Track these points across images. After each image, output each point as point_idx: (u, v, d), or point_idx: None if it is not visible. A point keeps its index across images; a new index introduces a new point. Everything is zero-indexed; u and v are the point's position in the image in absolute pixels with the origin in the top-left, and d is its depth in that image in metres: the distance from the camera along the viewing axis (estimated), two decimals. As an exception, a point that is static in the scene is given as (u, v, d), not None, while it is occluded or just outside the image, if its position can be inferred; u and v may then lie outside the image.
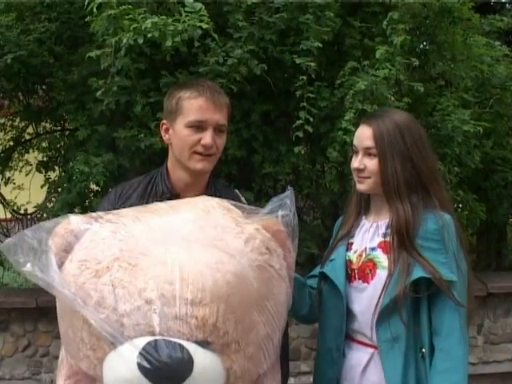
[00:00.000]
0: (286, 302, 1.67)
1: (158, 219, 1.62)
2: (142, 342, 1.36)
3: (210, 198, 1.77)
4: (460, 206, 4.42)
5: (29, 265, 1.49)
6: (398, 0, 3.61)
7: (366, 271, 2.01)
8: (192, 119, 1.98)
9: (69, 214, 1.65)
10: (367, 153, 2.00)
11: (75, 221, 1.61)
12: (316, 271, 2.21)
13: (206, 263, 1.45)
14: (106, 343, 1.41)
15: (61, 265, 1.52)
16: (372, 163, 1.99)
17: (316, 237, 4.10)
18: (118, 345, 1.39)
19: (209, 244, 1.51)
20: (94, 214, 1.67)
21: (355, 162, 2.04)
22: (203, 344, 1.40)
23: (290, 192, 1.75)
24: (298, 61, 3.41)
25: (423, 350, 1.93)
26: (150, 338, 1.36)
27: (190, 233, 1.54)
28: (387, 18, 3.50)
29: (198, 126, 1.98)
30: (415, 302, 1.92)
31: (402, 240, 1.94)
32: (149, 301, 1.39)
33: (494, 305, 4.76)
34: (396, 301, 1.88)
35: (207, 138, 1.97)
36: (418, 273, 1.88)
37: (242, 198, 1.98)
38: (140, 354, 1.35)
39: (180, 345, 1.36)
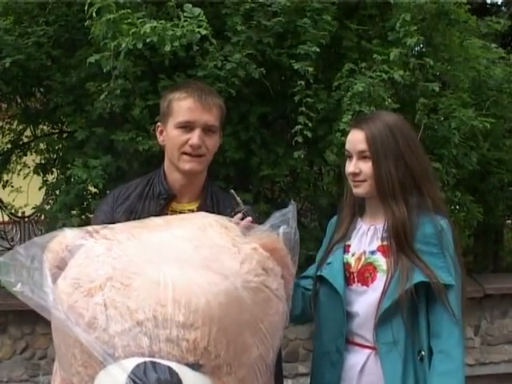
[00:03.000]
0: (282, 322, 1.65)
1: (153, 237, 1.60)
2: (132, 364, 1.35)
3: (207, 214, 1.74)
4: (457, 207, 4.44)
5: (19, 285, 1.48)
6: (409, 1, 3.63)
7: (365, 274, 2.01)
8: (180, 120, 1.99)
9: (64, 228, 1.63)
10: (361, 156, 2.00)
11: (70, 235, 1.59)
12: (309, 272, 2.21)
13: (199, 285, 1.43)
14: (97, 362, 1.40)
15: (54, 281, 1.51)
16: (367, 166, 1.99)
17: (314, 238, 4.11)
18: (107, 365, 1.38)
19: (203, 265, 1.49)
20: (89, 228, 1.64)
21: (350, 167, 2.03)
22: (194, 366, 1.39)
23: (292, 207, 1.73)
24: (295, 66, 3.42)
25: (422, 352, 1.93)
26: (140, 360, 1.35)
27: (185, 252, 1.52)
28: (400, 20, 3.51)
29: (187, 127, 1.99)
30: (413, 304, 1.93)
31: (400, 243, 1.94)
32: (140, 322, 1.37)
33: (491, 306, 4.78)
34: (397, 304, 1.89)
35: (194, 138, 1.98)
36: (418, 277, 1.89)
37: (238, 198, 1.98)
38: (129, 376, 1.34)
39: (169, 368, 1.35)
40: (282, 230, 1.69)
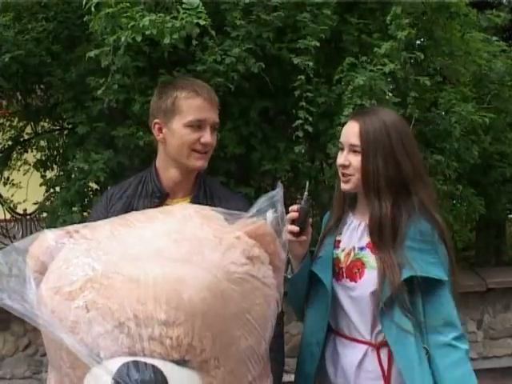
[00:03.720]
0: (272, 309, 1.63)
1: (132, 233, 1.58)
2: (116, 365, 1.35)
3: (188, 205, 1.73)
4: (459, 201, 4.43)
5: None
6: None
7: (353, 270, 2.02)
8: (192, 119, 2.01)
9: (45, 230, 1.62)
10: (352, 149, 2.01)
11: (50, 237, 1.58)
12: None
13: (180, 280, 1.41)
14: (84, 363, 1.40)
15: (37, 286, 1.50)
16: (356, 160, 1.99)
17: (316, 234, 4.10)
18: (93, 366, 1.38)
19: (184, 259, 1.48)
20: (70, 228, 1.63)
21: (340, 158, 2.05)
22: (180, 362, 1.38)
23: (279, 189, 1.71)
24: (295, 60, 3.41)
25: (424, 345, 1.94)
26: (124, 360, 1.35)
27: (164, 248, 1.50)
28: (391, 12, 3.50)
29: (198, 125, 2.00)
30: (411, 300, 1.93)
31: (379, 239, 1.96)
32: (122, 322, 1.36)
33: (494, 300, 4.79)
34: (391, 302, 1.90)
35: (207, 136, 2.02)
36: (406, 273, 1.90)
37: (306, 190, 1.97)
38: (113, 378, 1.33)
39: (153, 366, 1.34)
40: (269, 214, 1.66)
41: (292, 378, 2.20)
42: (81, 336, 1.39)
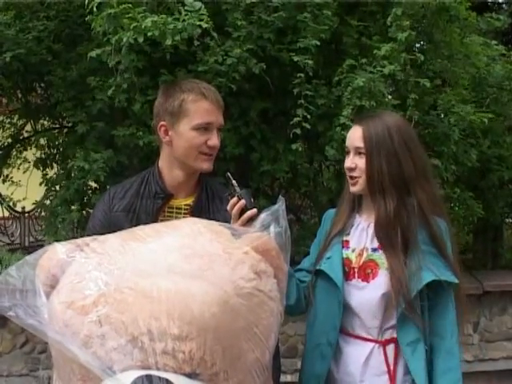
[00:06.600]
0: (276, 321, 1.65)
1: (143, 248, 1.59)
2: (129, 377, 1.36)
3: (197, 220, 1.73)
4: (457, 204, 4.44)
5: (11, 311, 1.48)
6: None
7: (366, 271, 2.03)
8: (200, 122, 2.01)
9: (55, 243, 1.62)
10: (357, 152, 2.05)
11: (60, 251, 1.58)
12: (303, 265, 2.25)
13: (192, 296, 1.44)
14: (96, 376, 1.40)
15: (47, 298, 1.51)
16: (362, 162, 2.03)
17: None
18: (106, 379, 1.39)
19: (195, 275, 1.49)
20: (79, 241, 1.63)
21: (347, 162, 2.09)
22: (191, 376, 1.40)
23: (281, 203, 1.73)
24: (295, 59, 3.43)
25: (426, 347, 1.96)
26: (137, 373, 1.36)
27: (176, 263, 1.52)
28: (391, 14, 3.52)
29: (205, 128, 2.02)
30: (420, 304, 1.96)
31: (385, 237, 1.98)
32: (135, 337, 1.38)
33: (490, 303, 4.80)
34: (411, 305, 1.92)
35: (214, 139, 2.03)
36: (428, 276, 1.91)
37: (234, 181, 1.96)
38: None
39: (167, 380, 1.36)
40: (272, 229, 1.69)
41: (288, 378, 2.20)
42: (94, 350, 1.40)
